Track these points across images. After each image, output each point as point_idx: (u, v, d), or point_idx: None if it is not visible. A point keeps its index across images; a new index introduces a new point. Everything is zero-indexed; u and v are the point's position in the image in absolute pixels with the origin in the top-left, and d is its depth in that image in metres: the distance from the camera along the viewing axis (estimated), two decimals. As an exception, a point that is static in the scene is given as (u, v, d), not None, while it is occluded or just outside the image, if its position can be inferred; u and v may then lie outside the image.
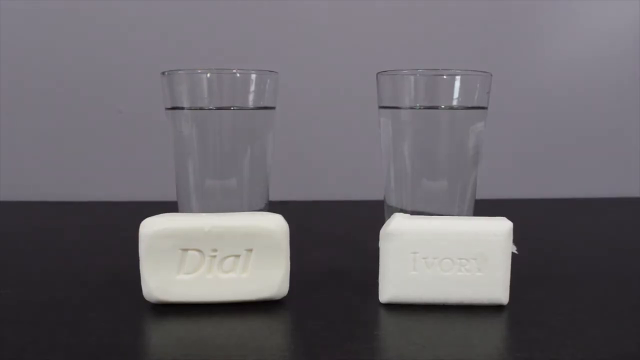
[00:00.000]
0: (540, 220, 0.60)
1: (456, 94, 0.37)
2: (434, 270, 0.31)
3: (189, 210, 0.39)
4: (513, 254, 0.32)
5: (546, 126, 0.71)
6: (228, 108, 0.38)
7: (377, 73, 0.40)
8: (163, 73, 0.38)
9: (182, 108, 0.38)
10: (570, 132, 0.71)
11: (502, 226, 0.32)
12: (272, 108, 0.39)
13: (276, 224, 0.32)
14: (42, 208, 0.65)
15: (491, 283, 0.32)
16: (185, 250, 0.31)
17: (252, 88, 0.38)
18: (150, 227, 0.31)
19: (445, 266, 0.31)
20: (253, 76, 0.38)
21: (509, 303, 0.33)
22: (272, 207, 0.41)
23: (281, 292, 0.32)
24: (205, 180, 0.38)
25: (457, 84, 0.37)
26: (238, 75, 0.37)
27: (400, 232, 0.32)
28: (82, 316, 0.32)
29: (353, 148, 0.69)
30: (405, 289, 0.32)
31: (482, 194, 0.43)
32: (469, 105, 0.38)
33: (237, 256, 0.31)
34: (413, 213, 0.39)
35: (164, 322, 0.31)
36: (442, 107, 0.37)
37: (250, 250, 0.31)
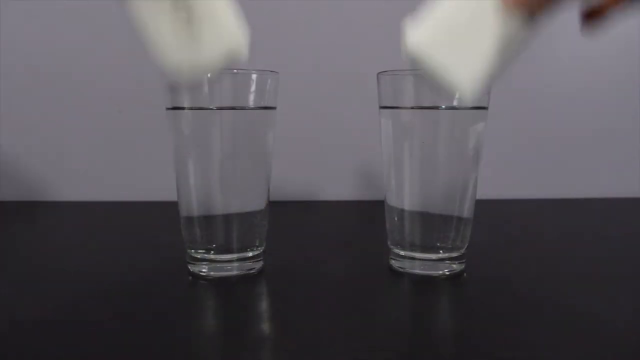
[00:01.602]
0: (540, 220, 0.60)
1: (457, 94, 0.37)
2: None
3: (190, 211, 0.39)
4: None
5: (546, 126, 0.71)
6: (228, 108, 0.38)
7: (378, 73, 0.40)
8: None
9: (183, 108, 0.38)
10: (571, 132, 0.71)
11: None
12: (273, 108, 0.39)
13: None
14: (42, 208, 0.65)
15: None
16: None
17: (253, 88, 0.38)
18: None
19: None
20: (253, 76, 0.38)
21: (509, 303, 0.33)
22: (272, 207, 0.41)
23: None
24: (205, 180, 0.38)
25: (458, 84, 0.37)
26: (238, 75, 0.37)
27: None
28: (83, 315, 0.32)
29: (353, 148, 0.69)
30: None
31: (482, 194, 0.43)
32: (470, 106, 0.38)
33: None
34: (413, 213, 0.39)
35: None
36: (443, 107, 0.37)
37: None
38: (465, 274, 0.39)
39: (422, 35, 0.31)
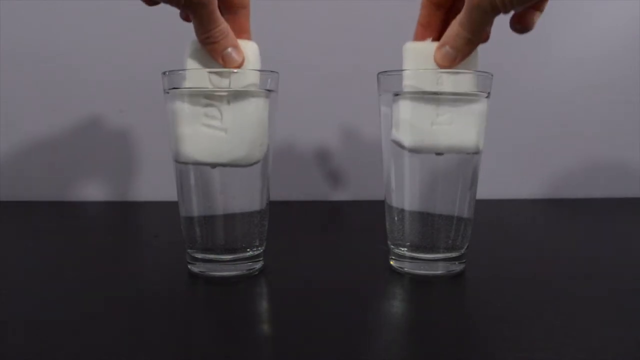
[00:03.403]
0: (540, 220, 0.60)
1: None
2: None
3: (190, 211, 0.39)
4: None
5: (547, 126, 0.71)
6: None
7: (378, 73, 0.40)
8: (163, 73, 0.38)
9: (183, 108, 0.38)
10: (571, 132, 0.71)
11: None
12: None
13: None
14: (42, 208, 0.65)
15: None
16: None
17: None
18: None
19: None
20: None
21: (509, 303, 0.33)
22: (272, 207, 0.41)
23: None
24: (205, 180, 0.38)
25: (458, 84, 0.37)
26: (238, 75, 0.37)
27: None
28: (81, 314, 0.32)
29: (353, 148, 0.69)
30: None
31: (482, 194, 0.43)
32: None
33: None
34: (413, 213, 0.39)
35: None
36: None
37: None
38: (465, 274, 0.39)
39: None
